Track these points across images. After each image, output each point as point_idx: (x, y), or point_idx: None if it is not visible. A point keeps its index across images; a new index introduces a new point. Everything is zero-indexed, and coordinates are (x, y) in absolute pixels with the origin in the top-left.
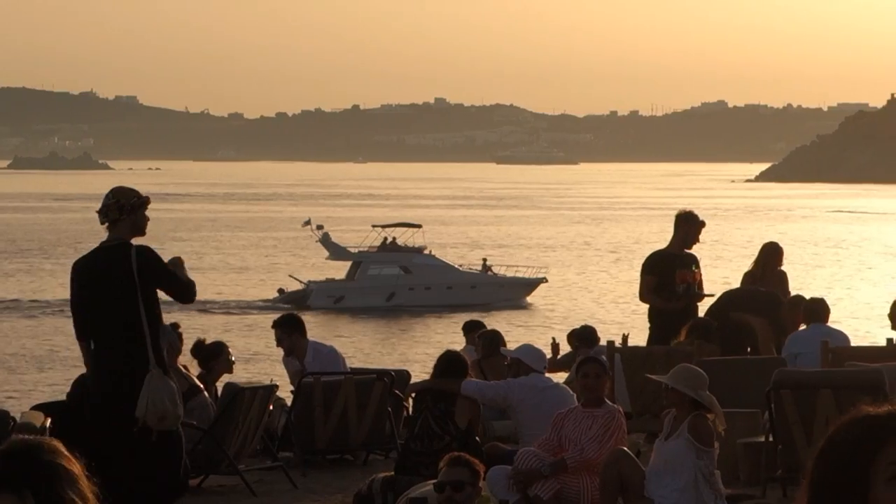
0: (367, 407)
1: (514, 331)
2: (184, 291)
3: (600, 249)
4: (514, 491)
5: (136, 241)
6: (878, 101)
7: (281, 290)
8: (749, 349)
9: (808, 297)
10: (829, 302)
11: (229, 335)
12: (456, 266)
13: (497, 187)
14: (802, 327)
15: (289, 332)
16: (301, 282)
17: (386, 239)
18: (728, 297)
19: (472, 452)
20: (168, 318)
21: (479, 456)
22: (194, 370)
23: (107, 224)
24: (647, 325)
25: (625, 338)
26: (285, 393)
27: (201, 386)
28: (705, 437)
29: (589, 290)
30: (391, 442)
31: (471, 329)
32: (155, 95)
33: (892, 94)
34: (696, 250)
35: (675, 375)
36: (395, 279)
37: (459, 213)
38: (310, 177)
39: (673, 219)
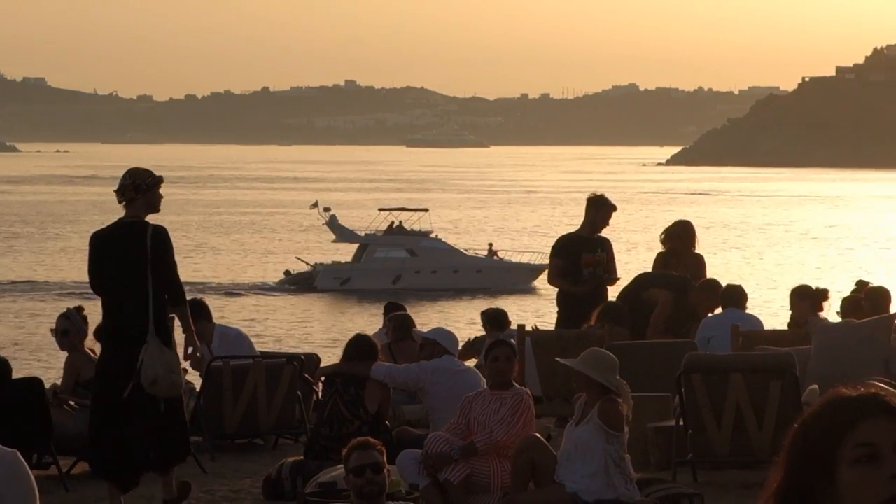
0: (276, 391)
1: (521, 315)
2: (175, 287)
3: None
4: (424, 475)
5: (151, 218)
6: (789, 84)
7: (287, 272)
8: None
9: (725, 281)
10: (746, 285)
11: (233, 316)
12: (462, 250)
13: (408, 170)
14: (718, 311)
15: (193, 318)
16: (308, 264)
17: (392, 222)
18: (640, 280)
19: (382, 437)
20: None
21: (388, 440)
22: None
23: (124, 203)
24: (556, 308)
25: (535, 328)
26: (194, 377)
27: None
28: (615, 422)
29: None
30: (301, 426)
31: (391, 311)
32: (63, 77)
33: (804, 78)
34: (609, 234)
35: (584, 360)
36: (402, 262)
37: (372, 196)
38: (231, 159)
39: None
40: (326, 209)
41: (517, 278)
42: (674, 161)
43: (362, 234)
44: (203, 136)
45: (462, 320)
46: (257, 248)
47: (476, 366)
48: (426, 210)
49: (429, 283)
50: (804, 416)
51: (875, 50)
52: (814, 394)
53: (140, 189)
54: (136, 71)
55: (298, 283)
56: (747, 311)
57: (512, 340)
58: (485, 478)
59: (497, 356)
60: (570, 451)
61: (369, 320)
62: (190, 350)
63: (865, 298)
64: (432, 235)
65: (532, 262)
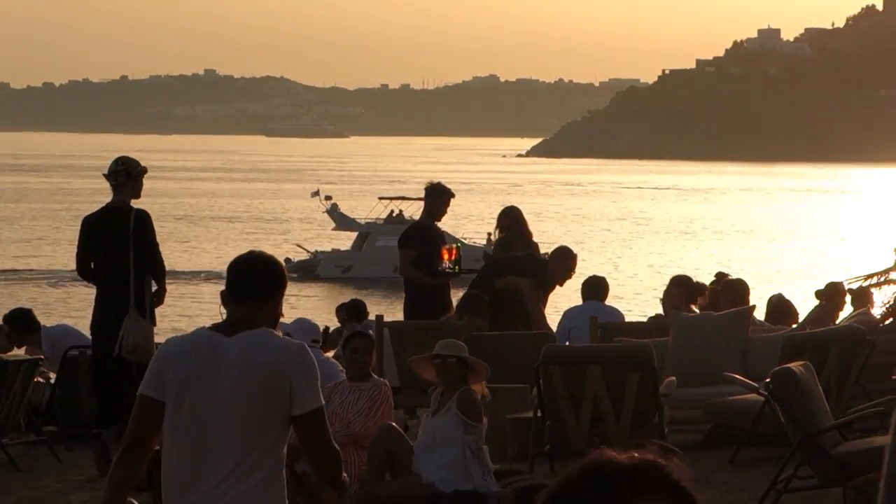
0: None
1: None
2: (157, 264)
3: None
4: None
5: (134, 203)
6: (650, 76)
7: (288, 260)
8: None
9: (587, 274)
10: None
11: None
12: (461, 239)
13: (267, 160)
14: (578, 302)
15: (18, 332)
16: (308, 251)
17: (392, 211)
18: (489, 267)
19: None
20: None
21: None
22: None
23: (112, 186)
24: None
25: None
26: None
27: None
28: (473, 412)
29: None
30: None
31: None
32: None
33: (664, 70)
34: (466, 225)
35: (441, 347)
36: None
37: (229, 185)
38: (96, 147)
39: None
40: (328, 198)
41: None
42: (534, 152)
43: (363, 222)
44: (62, 124)
45: None
46: (257, 235)
47: (334, 357)
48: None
49: None
50: (563, 485)
51: (735, 43)
52: (671, 385)
53: (131, 176)
54: None
55: (300, 271)
56: (608, 303)
57: (370, 331)
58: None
59: (356, 347)
60: (427, 441)
61: (371, 308)
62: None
63: (723, 291)
64: None
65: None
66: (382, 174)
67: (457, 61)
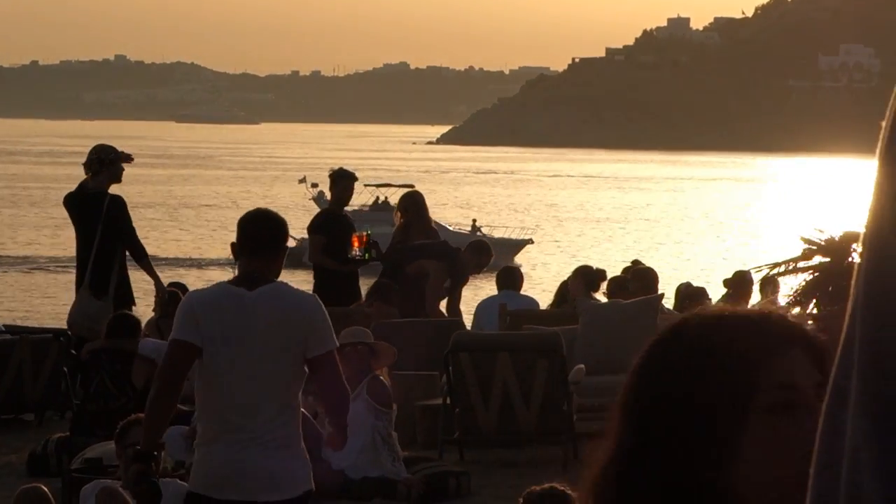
0: (43, 366)
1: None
2: (135, 246)
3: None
4: (191, 452)
5: (113, 188)
6: (560, 65)
7: None
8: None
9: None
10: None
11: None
12: (446, 226)
13: (177, 146)
14: (494, 292)
15: None
16: (295, 238)
17: (378, 198)
18: (399, 254)
19: None
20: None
21: None
22: None
23: (90, 174)
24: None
25: None
26: None
27: None
28: (384, 399)
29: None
30: (67, 402)
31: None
32: None
33: (574, 59)
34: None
35: (346, 334)
36: (388, 238)
37: (139, 171)
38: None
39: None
40: (314, 185)
41: (500, 253)
42: (444, 140)
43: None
44: None
45: None
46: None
47: None
48: (412, 186)
49: None
50: (671, 339)
51: (644, 32)
52: (580, 373)
53: (104, 163)
54: None
55: (286, 258)
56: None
57: None
58: None
59: None
60: None
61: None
62: (158, 294)
63: (632, 279)
64: None
65: (513, 238)
66: (291, 160)
67: (368, 48)
